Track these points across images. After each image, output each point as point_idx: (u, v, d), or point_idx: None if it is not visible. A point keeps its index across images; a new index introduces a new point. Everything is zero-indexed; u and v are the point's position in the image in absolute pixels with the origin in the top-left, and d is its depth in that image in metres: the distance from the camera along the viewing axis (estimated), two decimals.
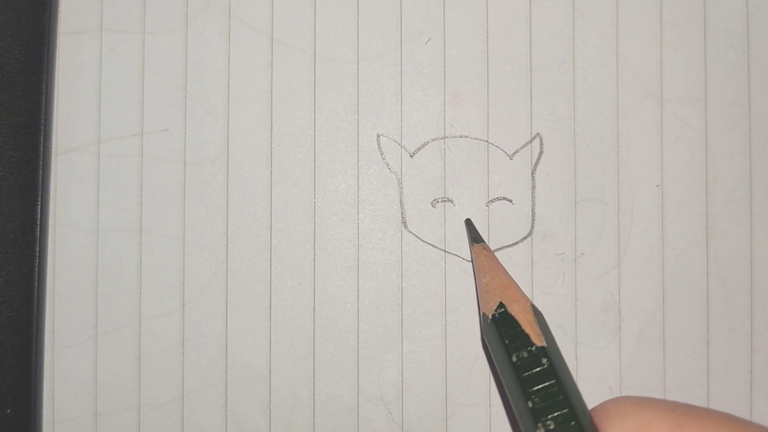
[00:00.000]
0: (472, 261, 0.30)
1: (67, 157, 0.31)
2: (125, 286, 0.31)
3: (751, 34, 0.31)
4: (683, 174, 0.31)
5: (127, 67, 0.31)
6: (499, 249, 0.31)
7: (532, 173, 0.31)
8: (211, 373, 0.31)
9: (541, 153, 0.31)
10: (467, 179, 0.31)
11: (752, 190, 0.31)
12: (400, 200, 0.31)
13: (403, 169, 0.31)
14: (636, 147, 0.31)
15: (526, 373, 0.22)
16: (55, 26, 0.31)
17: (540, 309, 0.25)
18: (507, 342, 0.23)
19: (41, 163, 0.30)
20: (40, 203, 0.30)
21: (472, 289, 0.31)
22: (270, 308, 0.31)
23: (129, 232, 0.31)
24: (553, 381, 0.21)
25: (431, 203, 0.31)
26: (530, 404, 0.21)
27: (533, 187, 0.31)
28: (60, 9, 0.31)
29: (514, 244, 0.31)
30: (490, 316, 0.24)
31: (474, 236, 0.30)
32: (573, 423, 0.20)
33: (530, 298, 0.30)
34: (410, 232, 0.31)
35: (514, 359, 0.22)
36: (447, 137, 0.31)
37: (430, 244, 0.31)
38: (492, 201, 0.31)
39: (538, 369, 0.22)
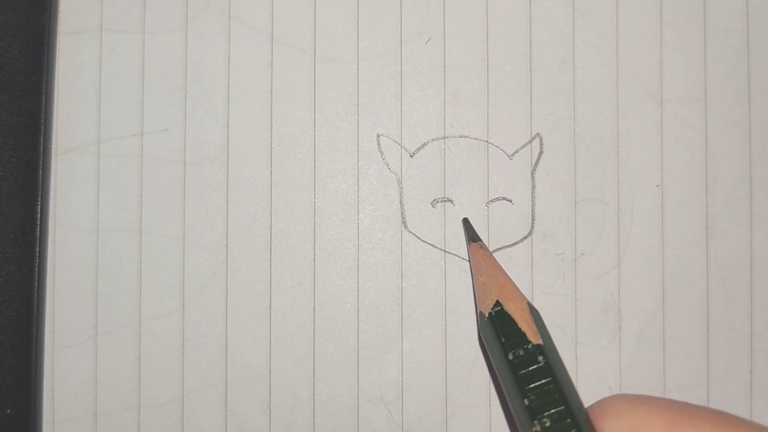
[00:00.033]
0: (469, 260, 0.30)
1: (67, 157, 0.31)
2: (125, 286, 0.31)
3: (751, 34, 0.31)
4: (683, 174, 0.31)
5: (127, 67, 0.31)
6: (499, 249, 0.31)
7: (532, 173, 0.31)
8: (211, 373, 0.31)
9: (541, 153, 0.31)
10: (467, 179, 0.31)
11: (752, 190, 0.31)
12: (400, 200, 0.31)
13: (403, 169, 0.31)
14: (636, 147, 0.31)
15: (522, 371, 0.22)
16: (55, 26, 0.31)
17: (540, 309, 0.25)
18: (503, 340, 0.23)
19: (41, 163, 0.30)
20: (40, 203, 0.30)
21: (471, 289, 0.31)
22: (270, 308, 0.31)
23: (129, 232, 0.31)
24: (549, 379, 0.21)
25: (431, 203, 0.31)
26: (526, 402, 0.21)
27: (533, 187, 0.31)
28: (60, 9, 0.31)
29: (514, 244, 0.31)
30: (487, 315, 0.24)
31: (471, 235, 0.30)
32: (569, 420, 0.20)
33: (530, 298, 0.30)
34: (410, 232, 0.31)
35: (511, 357, 0.22)
36: (447, 137, 0.31)
37: (430, 244, 0.31)
38: (492, 201, 0.31)
39: (534, 367, 0.22)
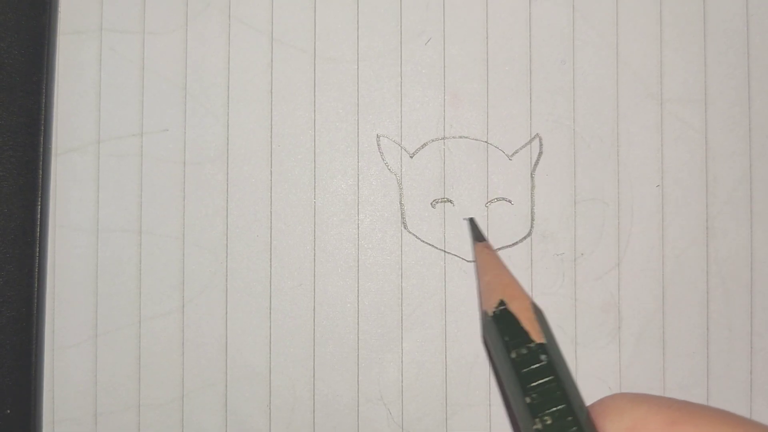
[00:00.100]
0: (474, 259, 0.30)
1: (67, 157, 0.31)
2: (125, 286, 0.31)
3: (751, 34, 0.31)
4: (683, 174, 0.31)
5: (127, 67, 0.31)
6: (499, 249, 0.31)
7: (531, 173, 0.31)
8: (210, 373, 0.31)
9: (540, 153, 0.31)
10: (467, 180, 0.31)
11: (752, 190, 0.31)
12: (400, 201, 0.31)
13: (403, 170, 0.31)
14: (636, 147, 0.31)
15: (525, 369, 0.22)
16: (55, 26, 0.31)
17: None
18: (506, 339, 0.23)
19: (41, 163, 0.30)
20: (40, 203, 0.30)
21: (472, 289, 0.31)
22: (270, 308, 0.31)
23: (129, 232, 0.31)
24: (552, 377, 0.21)
25: (431, 204, 0.31)
26: (528, 400, 0.21)
27: (533, 187, 0.31)
28: (60, 9, 0.31)
29: (514, 244, 0.31)
30: (491, 313, 0.25)
31: (476, 235, 0.30)
32: (570, 418, 0.20)
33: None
34: (410, 232, 0.31)
35: (513, 356, 0.22)
36: (447, 138, 0.31)
37: (430, 245, 0.31)
38: (491, 201, 0.31)
39: (536, 365, 0.22)
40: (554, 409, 0.21)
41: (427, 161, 0.31)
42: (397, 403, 0.30)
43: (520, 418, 0.22)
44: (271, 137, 0.31)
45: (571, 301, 0.31)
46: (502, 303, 0.24)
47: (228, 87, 0.31)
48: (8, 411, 0.30)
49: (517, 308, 0.24)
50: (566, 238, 0.31)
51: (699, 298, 0.31)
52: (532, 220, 0.31)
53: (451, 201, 0.31)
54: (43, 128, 0.30)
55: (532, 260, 0.31)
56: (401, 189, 0.31)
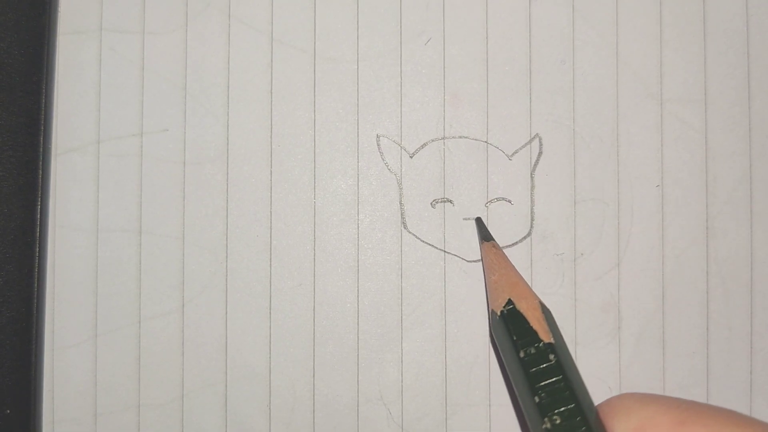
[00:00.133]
0: (481, 259, 0.30)
1: (67, 157, 0.31)
2: (125, 286, 0.31)
3: (751, 34, 0.31)
4: (683, 174, 0.31)
5: (127, 67, 0.31)
6: None
7: (531, 174, 0.31)
8: (210, 373, 0.31)
9: (540, 153, 0.31)
10: (467, 180, 0.31)
11: (752, 190, 0.31)
12: (400, 201, 0.31)
13: (403, 170, 0.31)
14: (636, 147, 0.31)
15: (534, 369, 0.22)
16: (55, 26, 0.31)
17: None
18: (515, 338, 0.23)
19: (41, 163, 0.30)
20: (40, 203, 0.30)
21: (471, 289, 0.31)
22: (270, 308, 0.31)
23: (129, 232, 0.31)
24: (560, 377, 0.21)
25: (431, 204, 0.31)
26: (537, 399, 0.21)
27: (532, 187, 0.31)
28: (60, 9, 0.31)
29: (514, 244, 0.31)
30: (499, 313, 0.25)
31: (484, 234, 0.30)
32: (579, 418, 0.20)
33: None
34: (410, 232, 0.31)
35: (522, 355, 0.23)
36: (446, 138, 0.31)
37: (430, 245, 0.31)
38: (491, 201, 0.31)
39: (545, 365, 0.22)
40: (563, 408, 0.21)
41: (427, 161, 0.31)
42: (397, 403, 0.30)
43: (528, 418, 0.22)
44: (271, 137, 0.31)
45: (571, 301, 0.31)
46: (510, 302, 0.25)
47: (228, 87, 0.31)
48: (8, 411, 0.30)
49: (525, 308, 0.24)
50: (566, 238, 0.31)
51: (699, 298, 0.31)
52: (532, 220, 0.31)
53: (451, 201, 0.31)
54: (43, 128, 0.30)
55: (532, 260, 0.31)
56: (401, 189, 0.31)
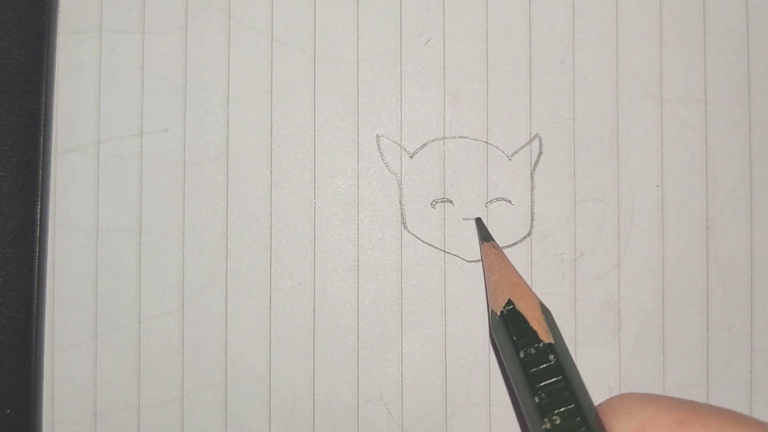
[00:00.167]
0: (481, 259, 0.30)
1: (67, 157, 0.31)
2: (125, 286, 0.31)
3: (751, 34, 0.31)
4: (683, 174, 0.31)
5: (127, 67, 0.31)
6: None
7: (531, 174, 0.31)
8: (210, 373, 0.31)
9: (540, 153, 0.31)
10: (467, 180, 0.31)
11: (752, 190, 0.31)
12: (400, 201, 0.31)
13: (403, 170, 0.31)
14: (636, 147, 0.31)
15: (533, 369, 0.22)
16: (55, 26, 0.31)
17: None
18: (515, 338, 0.23)
19: (41, 163, 0.30)
20: (40, 203, 0.30)
21: (471, 289, 0.31)
22: (270, 308, 0.31)
23: (129, 232, 0.31)
24: (560, 377, 0.22)
25: (431, 204, 0.31)
26: (537, 400, 0.21)
27: (532, 187, 0.31)
28: (60, 9, 0.31)
29: (514, 244, 0.31)
30: (499, 313, 0.25)
31: (484, 235, 0.30)
32: (578, 418, 0.20)
33: None
34: (410, 232, 0.31)
35: (522, 355, 0.23)
36: (446, 138, 0.31)
37: (430, 245, 0.31)
38: (491, 201, 0.31)
39: (545, 365, 0.22)
40: (563, 409, 0.21)
41: (427, 161, 0.31)
42: (397, 403, 0.30)
43: (528, 418, 0.22)
44: (271, 137, 0.31)
45: (571, 301, 0.31)
46: (509, 303, 0.25)
47: (228, 87, 0.31)
48: (8, 411, 0.30)
49: (524, 308, 0.24)
50: (566, 238, 0.31)
51: (699, 298, 0.31)
52: (532, 220, 0.31)
53: (451, 201, 0.31)
54: (42, 128, 0.30)
55: (531, 260, 0.31)
56: (401, 189, 0.31)
